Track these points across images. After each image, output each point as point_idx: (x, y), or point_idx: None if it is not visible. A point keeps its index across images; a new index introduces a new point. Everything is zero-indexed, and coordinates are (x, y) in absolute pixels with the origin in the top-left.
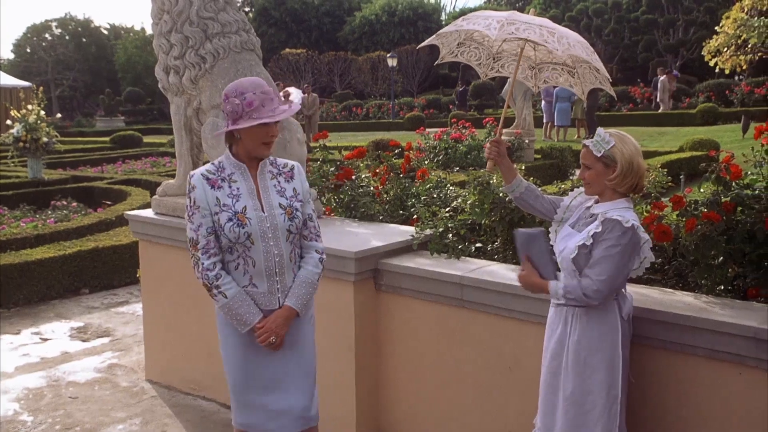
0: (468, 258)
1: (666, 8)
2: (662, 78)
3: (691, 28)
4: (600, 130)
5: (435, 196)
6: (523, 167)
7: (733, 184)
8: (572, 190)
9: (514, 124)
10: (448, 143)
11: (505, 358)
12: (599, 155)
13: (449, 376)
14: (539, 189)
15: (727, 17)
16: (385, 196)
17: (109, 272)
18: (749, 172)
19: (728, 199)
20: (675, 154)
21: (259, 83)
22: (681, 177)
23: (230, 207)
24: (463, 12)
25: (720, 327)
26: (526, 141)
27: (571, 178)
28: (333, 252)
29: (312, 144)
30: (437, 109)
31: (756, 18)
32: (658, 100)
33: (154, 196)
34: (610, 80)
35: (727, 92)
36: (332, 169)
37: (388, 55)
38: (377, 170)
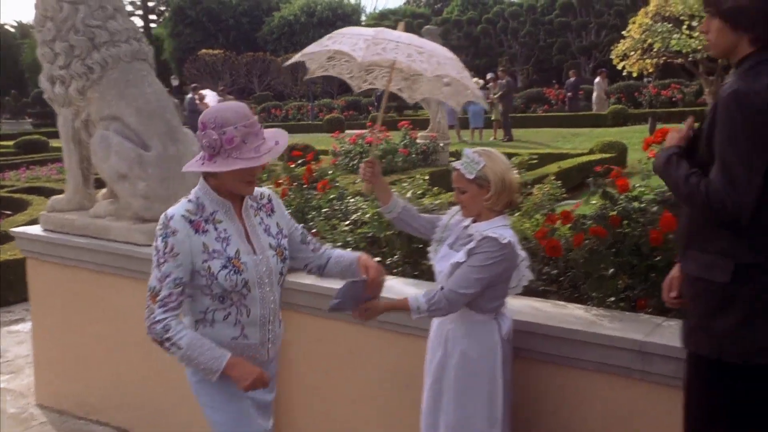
0: None
1: (579, 11)
2: (597, 79)
3: (602, 31)
4: (468, 151)
5: (336, 208)
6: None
7: (621, 197)
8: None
9: (429, 127)
10: (363, 147)
11: (402, 376)
12: (472, 177)
13: (349, 394)
14: (416, 209)
15: (633, 22)
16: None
17: (4, 288)
18: (637, 185)
19: (615, 212)
20: (586, 156)
21: (243, 113)
22: (589, 180)
23: (222, 252)
24: (383, 14)
25: (608, 341)
26: (441, 144)
27: None
28: None
29: None
30: (357, 110)
31: (660, 23)
32: (593, 101)
33: (42, 212)
34: (488, 99)
35: (636, 94)
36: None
37: None
38: (279, 181)
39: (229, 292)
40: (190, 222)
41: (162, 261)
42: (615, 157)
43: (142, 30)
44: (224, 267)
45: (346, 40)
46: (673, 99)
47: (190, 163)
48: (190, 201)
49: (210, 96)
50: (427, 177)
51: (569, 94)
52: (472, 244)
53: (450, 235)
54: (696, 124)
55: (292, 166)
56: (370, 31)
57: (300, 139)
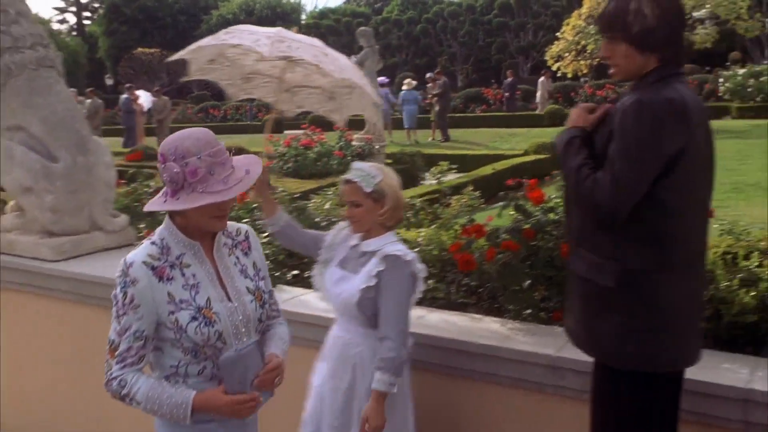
0: (284, 286)
1: (516, 12)
2: (541, 79)
3: (540, 32)
4: (360, 164)
5: (257, 218)
6: None
7: (536, 209)
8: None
9: (365, 129)
10: (298, 150)
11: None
12: (369, 191)
13: None
14: (300, 225)
15: (567, 24)
16: None
17: None
18: (553, 195)
19: (528, 225)
20: (520, 157)
21: (206, 140)
22: (524, 182)
23: (190, 302)
24: (323, 12)
25: (521, 356)
26: (377, 147)
27: (421, 183)
28: None
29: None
30: None
31: (592, 25)
32: (537, 100)
33: None
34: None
35: (572, 94)
36: (152, 191)
37: None
38: None
39: (201, 346)
40: (153, 269)
41: (121, 313)
42: (549, 158)
43: (75, 27)
44: (194, 319)
45: (246, 35)
46: (608, 99)
47: (152, 201)
48: (153, 244)
49: (144, 96)
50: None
51: (506, 94)
52: (376, 264)
53: (336, 254)
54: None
55: None
56: (271, 29)
57: (237, 140)
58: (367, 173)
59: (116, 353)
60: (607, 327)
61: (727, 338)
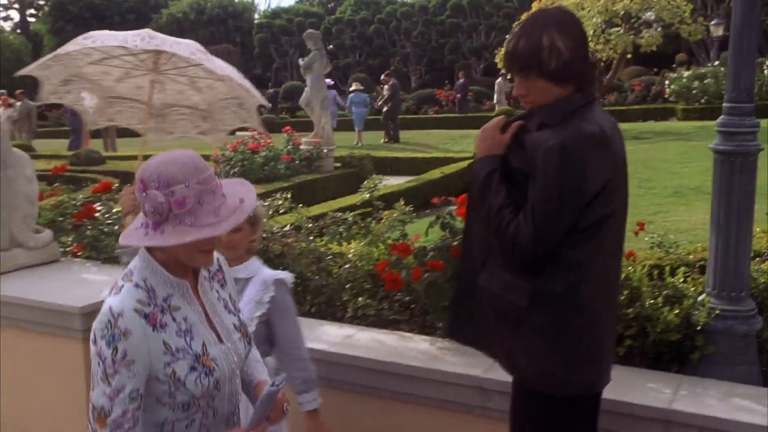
0: None
1: (469, 13)
2: (498, 80)
3: (492, 33)
4: None
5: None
6: None
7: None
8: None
9: (313, 133)
10: (245, 154)
11: None
12: (250, 214)
13: None
14: None
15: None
16: None
17: None
18: None
19: (456, 243)
20: (470, 160)
21: (194, 166)
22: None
23: (186, 350)
24: (276, 12)
25: (448, 377)
26: (325, 150)
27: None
28: (57, 307)
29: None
30: None
31: None
32: (494, 101)
33: None
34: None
35: None
36: (79, 204)
37: None
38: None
39: (197, 398)
40: (146, 316)
41: (111, 372)
42: None
43: (19, 25)
44: (192, 369)
45: (109, 38)
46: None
47: (127, 233)
48: (137, 287)
49: (89, 100)
50: (289, 195)
51: (459, 95)
52: (263, 290)
53: None
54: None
55: None
56: (139, 30)
57: (186, 144)
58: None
59: (108, 420)
60: (522, 346)
61: (653, 355)
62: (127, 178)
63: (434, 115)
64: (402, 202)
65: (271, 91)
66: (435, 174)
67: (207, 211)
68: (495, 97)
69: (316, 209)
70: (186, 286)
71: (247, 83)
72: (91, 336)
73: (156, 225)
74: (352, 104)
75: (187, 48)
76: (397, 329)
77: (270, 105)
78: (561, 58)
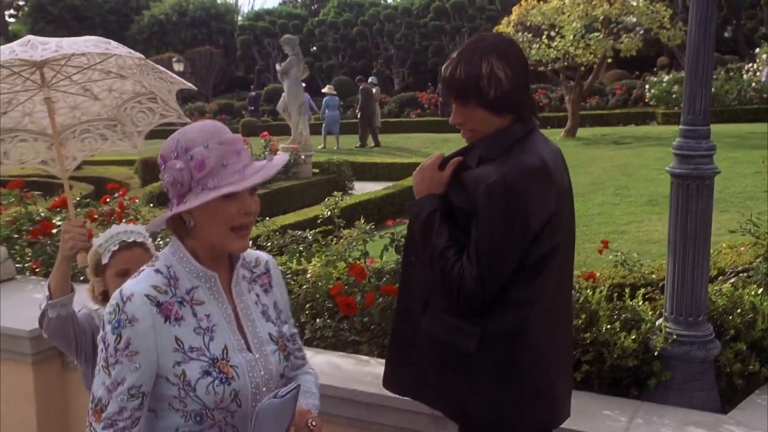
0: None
1: (452, 15)
2: None
3: (474, 35)
4: (130, 226)
5: None
6: None
7: None
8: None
9: (291, 139)
10: None
11: None
12: (152, 252)
13: None
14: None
15: (497, 31)
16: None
17: None
18: None
19: None
20: None
21: (214, 129)
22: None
23: (202, 351)
24: (259, 14)
25: (403, 404)
26: (303, 156)
27: (350, 192)
28: (5, 330)
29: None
30: (230, 114)
31: (521, 33)
32: None
33: None
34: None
35: None
36: (39, 218)
37: (174, 60)
38: (95, 216)
39: (210, 409)
40: (158, 305)
41: (112, 362)
42: None
43: None
44: (206, 373)
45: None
46: (540, 104)
47: (154, 221)
48: (158, 272)
49: None
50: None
51: (441, 98)
52: None
53: None
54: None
55: (105, 202)
56: (19, 40)
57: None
58: (143, 232)
59: (104, 416)
60: (471, 390)
61: (610, 381)
62: (101, 183)
63: (416, 119)
64: (362, 221)
65: (253, 93)
66: (410, 181)
67: (231, 172)
68: None
69: (292, 217)
70: (215, 279)
71: (159, 67)
72: (104, 319)
73: (180, 198)
74: (326, 107)
75: (86, 42)
76: (357, 351)
77: (252, 108)
78: (500, 87)
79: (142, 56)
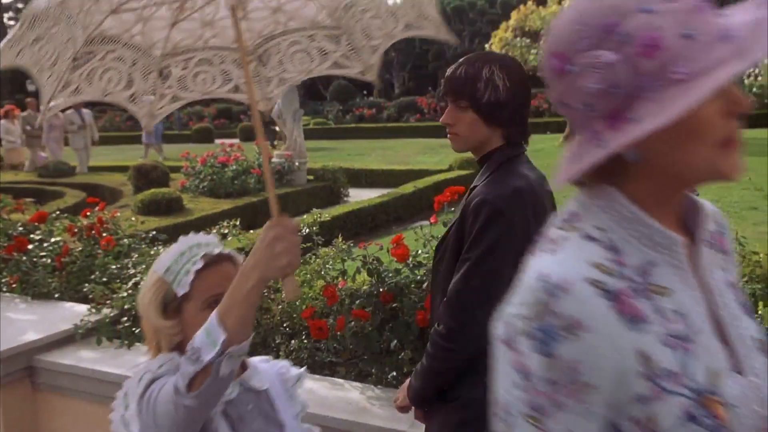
0: (141, 344)
1: (453, 19)
2: None
3: (476, 39)
4: (202, 237)
5: (114, 268)
6: None
7: (399, 266)
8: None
9: (285, 146)
10: (215, 168)
11: None
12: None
13: None
14: None
15: (495, 35)
16: (70, 267)
17: None
18: (419, 251)
19: (385, 289)
20: (444, 173)
21: None
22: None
23: (680, 377)
24: None
25: (370, 430)
26: (297, 163)
27: (345, 200)
28: None
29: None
30: (228, 119)
31: (519, 38)
32: None
33: None
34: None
35: None
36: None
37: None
38: (75, 230)
39: None
40: (614, 299)
41: (545, 403)
42: (473, 174)
43: None
44: (690, 418)
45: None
46: (540, 109)
47: (561, 169)
48: (592, 240)
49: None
50: (237, 222)
51: (441, 103)
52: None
53: None
54: None
55: (86, 216)
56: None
57: (166, 152)
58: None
59: None
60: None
61: None
62: (95, 191)
63: (416, 123)
64: (340, 238)
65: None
66: (408, 188)
67: (707, 42)
68: None
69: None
70: (679, 245)
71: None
72: (503, 332)
73: (612, 120)
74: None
75: None
76: (333, 372)
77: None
78: (496, 93)
79: None
